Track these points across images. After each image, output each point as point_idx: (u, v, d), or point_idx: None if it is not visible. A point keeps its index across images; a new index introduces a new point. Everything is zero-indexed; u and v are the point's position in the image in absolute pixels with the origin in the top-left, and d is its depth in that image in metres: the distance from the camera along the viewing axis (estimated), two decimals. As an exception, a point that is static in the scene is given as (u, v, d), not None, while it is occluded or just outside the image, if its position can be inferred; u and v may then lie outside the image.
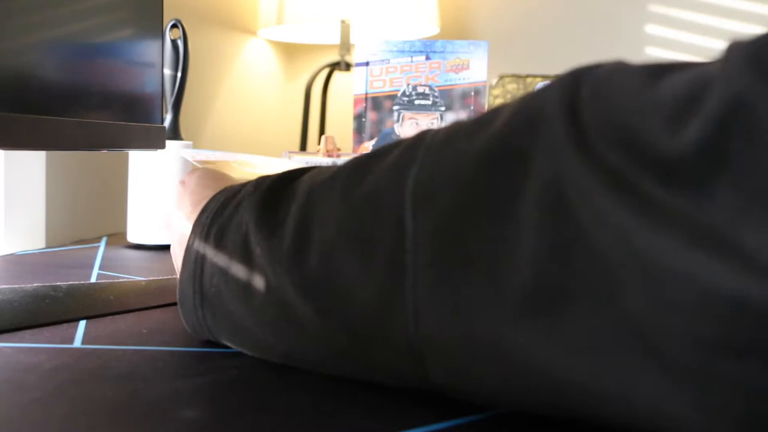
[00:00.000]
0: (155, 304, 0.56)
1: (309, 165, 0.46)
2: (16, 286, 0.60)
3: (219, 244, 0.40)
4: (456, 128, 0.32)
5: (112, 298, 0.57)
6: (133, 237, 0.89)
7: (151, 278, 0.67)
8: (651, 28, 1.54)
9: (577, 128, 0.26)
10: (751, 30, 1.48)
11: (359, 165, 0.35)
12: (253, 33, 1.58)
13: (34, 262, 0.76)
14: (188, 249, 0.42)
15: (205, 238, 0.41)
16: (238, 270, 0.38)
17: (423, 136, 0.33)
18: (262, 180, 0.41)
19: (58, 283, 0.61)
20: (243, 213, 0.39)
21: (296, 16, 1.48)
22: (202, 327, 0.42)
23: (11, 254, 0.82)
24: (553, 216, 0.26)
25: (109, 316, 0.52)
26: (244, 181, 0.45)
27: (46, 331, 0.47)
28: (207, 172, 0.50)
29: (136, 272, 0.71)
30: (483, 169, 0.29)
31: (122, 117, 0.63)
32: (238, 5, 1.53)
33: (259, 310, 0.38)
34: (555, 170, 0.26)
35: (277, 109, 1.71)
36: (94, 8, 0.61)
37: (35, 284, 0.61)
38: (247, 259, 0.38)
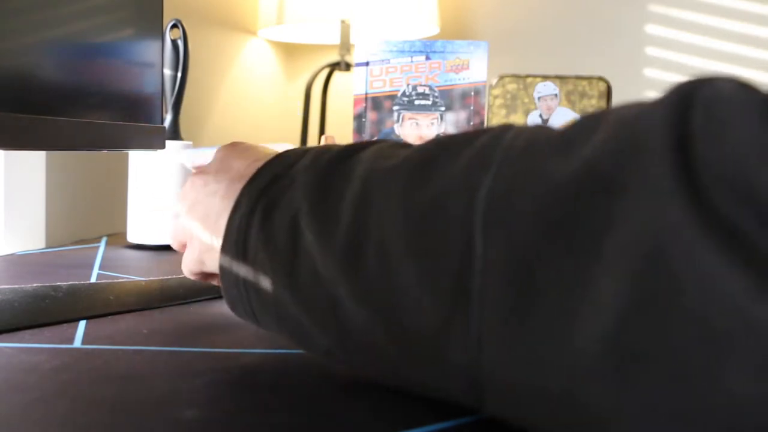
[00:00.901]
0: (155, 305, 0.56)
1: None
2: (17, 286, 0.60)
3: (267, 220, 0.36)
4: (539, 137, 0.28)
5: (112, 298, 0.57)
6: (133, 237, 0.89)
7: (151, 278, 0.67)
8: (651, 28, 1.54)
9: (686, 169, 0.22)
10: (751, 30, 1.48)
11: (427, 160, 0.31)
12: (253, 33, 1.58)
13: (34, 262, 0.76)
14: (230, 220, 0.38)
15: (251, 211, 0.37)
16: (286, 252, 0.35)
17: (501, 136, 0.29)
18: (321, 153, 0.37)
19: (59, 283, 0.61)
20: (296, 190, 0.36)
21: (296, 16, 1.48)
22: (245, 306, 0.39)
23: (11, 254, 0.82)
24: (645, 265, 0.22)
25: (109, 317, 0.52)
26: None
27: (46, 331, 0.47)
28: (248, 145, 0.46)
29: (136, 272, 0.71)
30: (569, 198, 0.25)
31: (122, 117, 0.63)
32: (238, 5, 1.53)
33: (305, 300, 0.35)
34: (654, 213, 0.23)
35: (277, 109, 1.71)
36: (94, 8, 0.61)
37: (35, 284, 0.61)
38: (296, 243, 0.34)
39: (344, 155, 0.36)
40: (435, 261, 0.28)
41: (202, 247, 0.43)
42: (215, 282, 0.47)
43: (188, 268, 0.46)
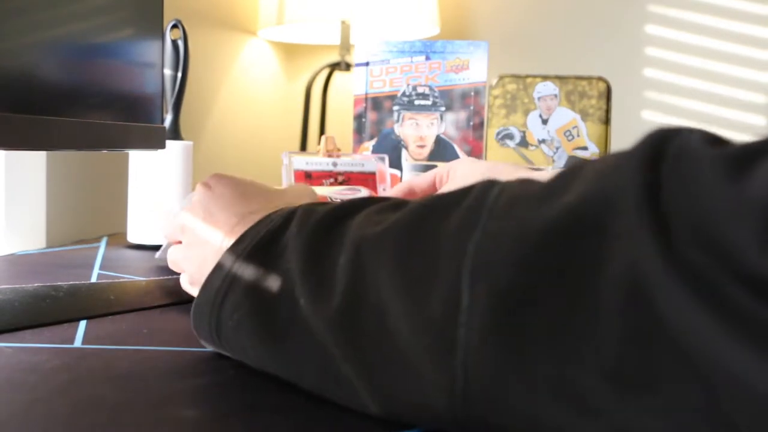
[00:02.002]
0: (155, 304, 0.56)
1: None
2: (17, 286, 0.60)
3: (255, 283, 0.38)
4: (522, 191, 0.30)
5: (112, 298, 0.58)
6: (133, 237, 0.89)
7: (152, 278, 0.67)
8: (651, 29, 1.54)
9: (657, 217, 0.24)
10: (751, 30, 1.48)
11: (416, 224, 0.33)
12: (253, 33, 1.58)
13: (34, 262, 0.77)
14: (214, 272, 0.40)
15: (238, 270, 0.39)
16: (270, 315, 0.36)
17: (486, 195, 0.31)
18: (307, 216, 0.38)
19: (59, 283, 0.61)
20: (289, 256, 0.37)
21: (296, 16, 1.48)
22: (213, 343, 0.41)
23: (12, 254, 0.82)
24: (634, 303, 0.24)
25: (110, 316, 0.52)
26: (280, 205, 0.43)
27: (46, 331, 0.47)
28: (236, 179, 0.48)
29: (136, 272, 0.71)
30: (553, 241, 0.26)
31: (123, 117, 0.63)
32: (238, 5, 1.53)
33: (289, 358, 0.36)
34: (634, 257, 0.24)
35: (277, 109, 1.71)
36: (95, 8, 0.61)
37: (36, 284, 0.61)
38: (289, 307, 0.35)
39: (333, 219, 0.37)
40: (425, 317, 0.30)
41: (191, 279, 0.47)
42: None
43: (183, 284, 0.50)
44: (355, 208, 0.37)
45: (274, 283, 0.37)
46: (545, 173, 0.65)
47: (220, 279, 0.39)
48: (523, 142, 0.95)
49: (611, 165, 0.27)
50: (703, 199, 0.23)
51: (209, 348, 0.42)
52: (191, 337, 0.47)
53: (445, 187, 0.66)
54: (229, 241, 0.42)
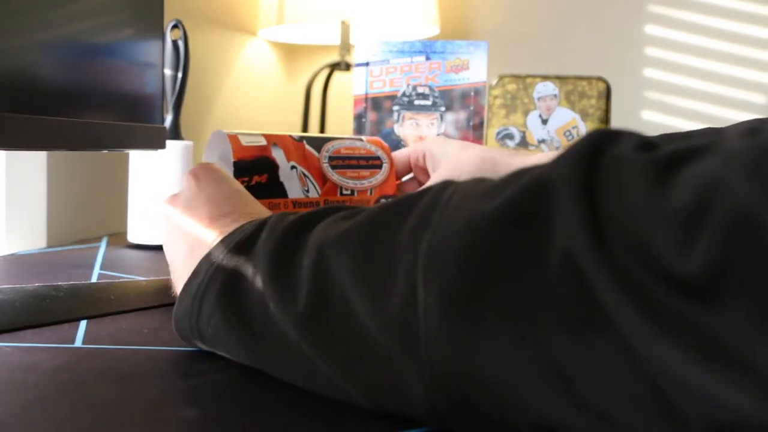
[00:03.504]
0: (156, 304, 0.56)
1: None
2: (18, 285, 0.60)
3: (228, 290, 0.39)
4: (473, 189, 0.32)
5: (112, 298, 0.58)
6: (133, 237, 0.89)
7: (152, 278, 0.67)
8: (650, 28, 1.54)
9: (591, 214, 0.26)
10: (751, 30, 1.48)
11: (374, 227, 0.34)
12: (253, 33, 1.58)
13: (35, 262, 0.77)
14: (191, 280, 0.42)
15: (212, 277, 0.40)
16: (244, 320, 0.38)
17: (439, 196, 0.33)
18: (277, 223, 0.40)
19: (59, 283, 0.61)
20: (257, 261, 0.38)
21: (296, 16, 1.48)
22: (195, 345, 0.43)
23: (12, 254, 0.82)
24: (575, 290, 0.26)
25: (110, 316, 0.52)
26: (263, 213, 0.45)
27: (47, 331, 0.48)
28: (222, 175, 0.49)
29: (136, 272, 0.71)
30: (496, 232, 0.28)
31: (123, 117, 0.63)
32: (238, 5, 1.54)
33: (271, 359, 0.38)
34: (571, 247, 0.26)
35: (277, 109, 1.71)
36: (95, 8, 0.61)
37: (36, 284, 0.61)
38: (261, 311, 0.37)
39: (300, 224, 0.39)
40: (385, 312, 0.31)
41: (173, 276, 0.47)
42: None
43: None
44: (322, 215, 0.39)
45: (245, 289, 0.38)
46: (542, 155, 0.66)
47: (195, 286, 0.41)
48: (523, 142, 0.95)
49: (552, 161, 0.29)
50: (630, 205, 0.25)
51: (204, 348, 0.43)
52: (191, 337, 0.47)
53: (435, 176, 0.67)
54: (201, 242, 0.44)
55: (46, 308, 0.53)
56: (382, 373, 0.32)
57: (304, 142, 0.62)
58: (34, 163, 0.91)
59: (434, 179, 0.67)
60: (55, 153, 0.94)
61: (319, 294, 0.34)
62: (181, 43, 0.90)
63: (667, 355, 0.23)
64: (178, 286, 0.45)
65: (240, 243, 0.40)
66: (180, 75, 0.91)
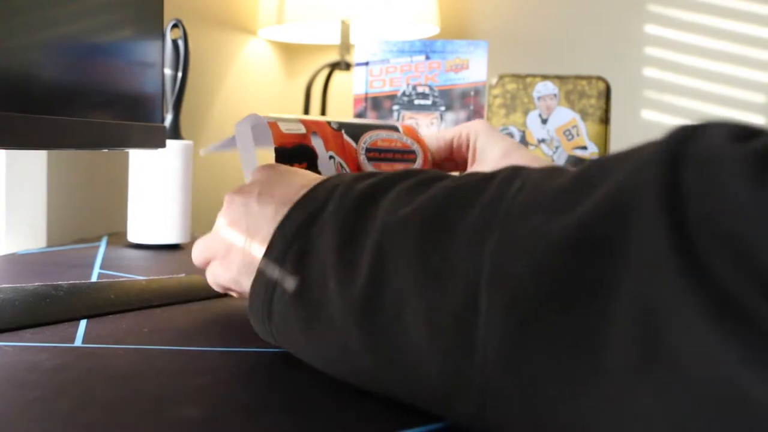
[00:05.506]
0: (156, 304, 0.56)
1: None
2: (17, 285, 0.60)
3: (298, 266, 0.37)
4: (537, 195, 0.29)
5: (112, 297, 0.58)
6: (133, 236, 0.89)
7: (152, 277, 0.67)
8: (650, 28, 1.54)
9: (679, 231, 0.22)
10: (751, 30, 1.48)
11: (438, 215, 0.32)
12: (253, 33, 1.58)
13: (35, 261, 0.77)
14: (265, 258, 0.40)
15: (283, 256, 0.38)
16: (312, 299, 0.36)
17: (505, 191, 0.30)
18: (345, 192, 0.38)
19: (59, 283, 0.61)
20: (326, 236, 0.37)
21: (296, 16, 1.48)
22: (269, 337, 0.41)
23: (12, 253, 0.82)
24: (646, 331, 0.23)
25: (110, 316, 0.52)
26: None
27: (47, 330, 0.48)
28: (286, 168, 0.48)
29: (136, 271, 0.71)
30: (568, 256, 0.26)
31: (123, 116, 0.63)
32: (238, 5, 1.53)
33: (321, 345, 0.37)
34: (649, 276, 0.23)
35: (277, 108, 1.71)
36: (95, 8, 0.61)
37: (36, 283, 0.61)
38: (321, 291, 0.36)
39: (368, 197, 0.37)
40: (443, 314, 0.30)
41: (241, 269, 0.44)
42: (235, 295, 0.49)
43: (219, 282, 0.47)
44: (389, 184, 0.37)
45: (311, 265, 0.37)
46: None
47: (269, 268, 0.39)
48: (523, 142, 0.95)
49: (630, 171, 0.25)
50: (729, 208, 0.21)
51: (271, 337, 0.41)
52: (191, 337, 0.47)
53: (474, 167, 0.64)
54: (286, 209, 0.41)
55: (46, 308, 0.53)
56: (428, 372, 0.31)
57: (343, 131, 0.61)
58: (34, 163, 0.91)
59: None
60: (55, 152, 0.93)
61: (375, 279, 0.33)
62: (181, 43, 0.90)
63: None
64: (247, 272, 0.43)
65: (310, 217, 0.38)
66: (180, 74, 0.91)
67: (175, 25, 0.91)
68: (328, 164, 0.58)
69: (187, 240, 0.92)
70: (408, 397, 0.33)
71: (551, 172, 0.31)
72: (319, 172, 0.57)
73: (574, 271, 0.25)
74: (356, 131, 0.62)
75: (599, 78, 0.93)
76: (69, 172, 0.97)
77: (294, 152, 0.56)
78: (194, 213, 0.99)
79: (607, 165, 0.27)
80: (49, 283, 0.61)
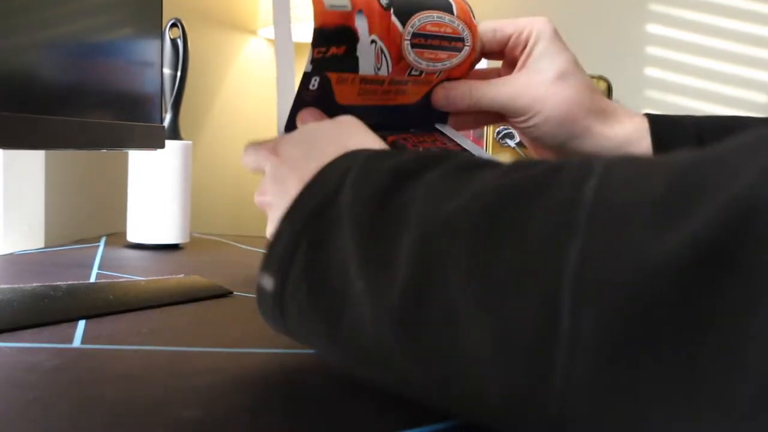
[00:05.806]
0: (155, 304, 0.56)
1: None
2: (16, 285, 0.59)
3: (312, 260, 0.34)
4: (626, 203, 0.24)
5: (111, 297, 0.57)
6: (132, 237, 0.89)
7: (151, 278, 0.67)
8: (652, 28, 1.54)
9: None
10: (752, 29, 1.48)
11: (495, 212, 0.28)
12: (253, 33, 1.58)
13: (33, 261, 0.76)
14: (272, 247, 0.36)
15: (295, 246, 0.35)
16: (331, 299, 0.33)
17: (581, 188, 0.26)
18: (361, 182, 0.34)
19: (58, 283, 0.61)
20: (343, 231, 0.33)
21: (296, 15, 1.48)
22: (280, 328, 0.38)
23: (10, 254, 0.81)
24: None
25: (109, 316, 0.52)
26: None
27: (45, 331, 0.47)
28: (303, 136, 0.44)
29: (135, 272, 0.71)
30: (675, 280, 0.22)
31: (122, 116, 0.63)
32: (238, 5, 1.53)
33: (348, 351, 0.33)
34: None
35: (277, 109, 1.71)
36: (94, 8, 0.61)
37: (35, 284, 0.61)
38: (344, 291, 0.32)
39: (391, 187, 0.32)
40: (512, 329, 0.26)
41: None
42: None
43: (269, 233, 0.44)
44: (418, 167, 0.33)
45: (331, 260, 0.33)
46: (636, 123, 0.56)
47: (278, 255, 0.35)
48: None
49: (731, 170, 0.22)
50: None
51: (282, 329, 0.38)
52: (191, 337, 0.47)
53: (522, 73, 0.59)
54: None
55: (44, 308, 0.53)
56: (491, 396, 0.27)
57: (392, 10, 0.56)
58: (32, 163, 0.91)
59: (517, 87, 0.59)
60: (53, 152, 0.93)
61: (418, 286, 0.29)
62: (180, 42, 0.90)
63: None
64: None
65: (324, 198, 0.35)
66: (179, 74, 0.91)
67: (174, 25, 0.90)
68: (368, 49, 0.54)
69: (186, 240, 0.91)
70: (466, 415, 0.30)
71: (634, 170, 0.26)
72: (356, 57, 0.54)
73: (684, 300, 0.22)
74: (407, 10, 0.58)
75: (601, 77, 0.92)
76: (67, 172, 0.97)
77: (334, 34, 0.52)
78: (193, 213, 0.98)
79: (710, 170, 0.23)
80: (47, 284, 0.61)
